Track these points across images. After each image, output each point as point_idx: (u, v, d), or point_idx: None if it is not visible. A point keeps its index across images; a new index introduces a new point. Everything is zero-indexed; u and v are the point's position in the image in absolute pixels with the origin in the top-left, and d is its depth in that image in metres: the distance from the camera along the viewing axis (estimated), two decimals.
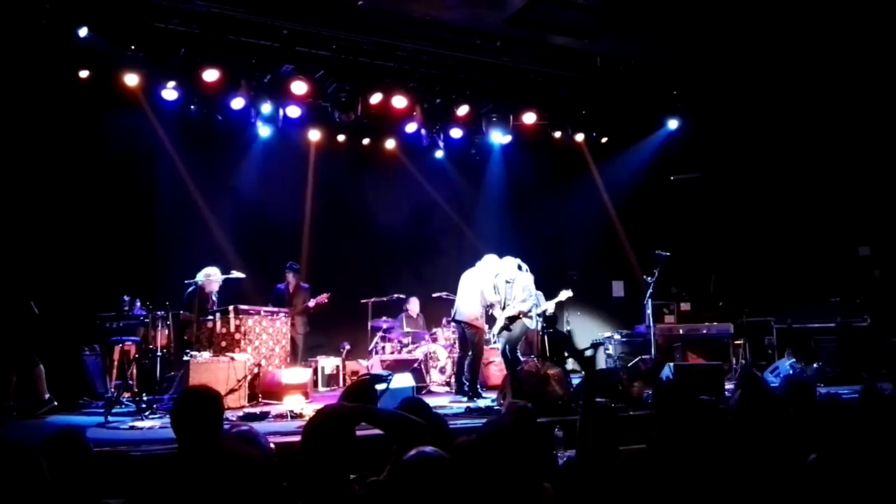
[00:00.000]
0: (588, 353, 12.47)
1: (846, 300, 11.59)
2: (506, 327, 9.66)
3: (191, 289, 9.41)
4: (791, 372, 9.81)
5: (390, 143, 12.92)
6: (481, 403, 8.70)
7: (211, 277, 9.48)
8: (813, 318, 11.38)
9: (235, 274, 9.65)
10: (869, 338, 10.88)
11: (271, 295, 10.98)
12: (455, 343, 11.62)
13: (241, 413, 7.90)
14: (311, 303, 10.84)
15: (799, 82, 11.59)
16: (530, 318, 9.65)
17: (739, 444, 3.36)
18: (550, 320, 11.02)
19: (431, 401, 9.39)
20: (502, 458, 2.87)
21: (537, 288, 10.26)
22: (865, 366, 10.53)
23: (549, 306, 10.36)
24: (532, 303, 9.69)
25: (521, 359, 9.46)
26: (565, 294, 10.36)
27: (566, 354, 11.06)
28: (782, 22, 9.70)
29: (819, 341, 11.22)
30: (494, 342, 9.83)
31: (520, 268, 9.86)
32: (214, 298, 9.60)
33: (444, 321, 11.85)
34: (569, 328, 13.14)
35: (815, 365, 10.48)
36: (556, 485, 3.15)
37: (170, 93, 10.19)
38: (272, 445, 3.54)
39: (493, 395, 9.22)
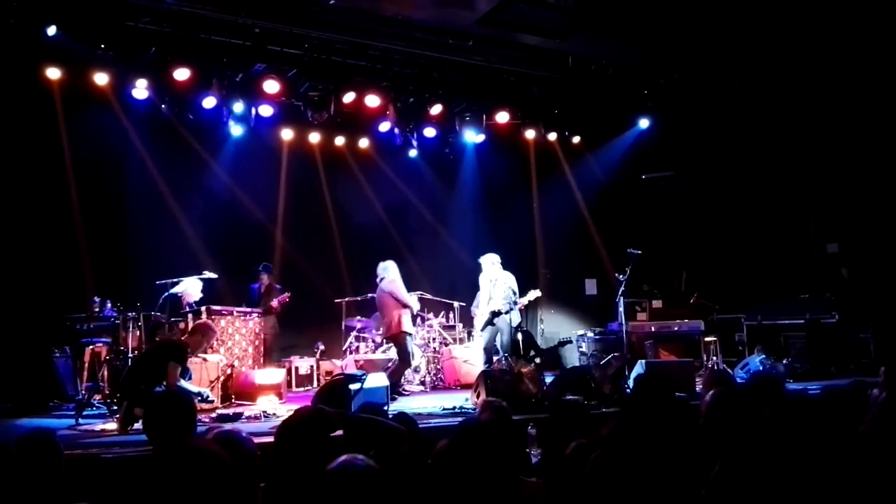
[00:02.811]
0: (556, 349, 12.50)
1: (815, 297, 11.76)
2: (490, 322, 9.79)
3: (165, 296, 9.25)
4: (759, 368, 9.93)
5: (363, 143, 12.90)
6: (455, 403, 8.70)
7: (190, 291, 9.39)
8: (782, 314, 11.54)
9: (207, 274, 9.59)
10: (837, 334, 11.05)
11: (245, 295, 10.93)
12: (429, 342, 11.66)
13: (213, 414, 7.85)
14: (274, 302, 10.78)
15: (768, 82, 11.73)
16: (513, 312, 9.84)
17: (709, 445, 3.38)
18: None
19: (407, 401, 9.46)
20: (480, 457, 2.87)
21: None
22: (834, 361, 10.69)
23: (520, 304, 10.44)
24: (506, 303, 9.80)
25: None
26: (534, 294, 10.46)
27: (532, 353, 11.11)
28: (750, 22, 9.82)
29: (789, 337, 11.39)
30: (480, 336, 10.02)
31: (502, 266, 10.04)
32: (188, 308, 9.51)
33: (417, 321, 11.85)
34: (542, 326, 13.19)
35: (784, 361, 10.62)
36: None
37: (140, 92, 10.11)
38: (255, 447, 3.52)
39: (466, 394, 9.24)
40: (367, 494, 2.31)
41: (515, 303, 9.99)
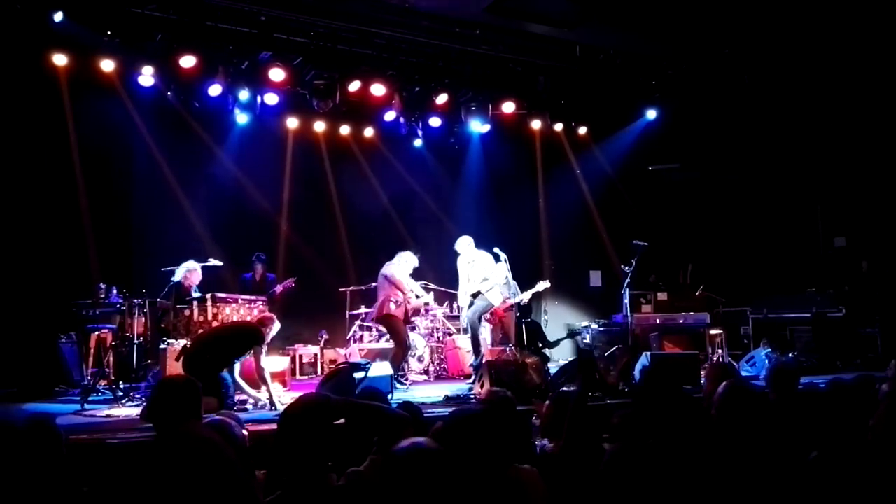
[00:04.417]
0: (564, 342, 12.47)
1: (822, 291, 11.71)
2: (470, 306, 9.72)
3: (170, 286, 9.27)
4: (766, 361, 9.88)
5: (369, 132, 12.87)
6: (458, 391, 8.71)
7: (192, 272, 9.38)
8: (789, 308, 11.48)
9: (212, 262, 9.59)
10: (844, 328, 11.00)
11: (238, 284, 10.90)
12: (433, 332, 11.64)
13: None
14: (279, 288, 10.75)
15: (777, 73, 11.67)
16: (493, 291, 9.67)
17: (720, 440, 3.37)
18: (525, 310, 11.06)
19: (411, 390, 9.46)
20: (480, 445, 2.86)
21: (514, 277, 10.31)
22: (840, 356, 10.64)
23: (525, 296, 10.40)
24: (490, 285, 9.66)
25: (482, 339, 9.66)
26: (542, 285, 10.42)
27: (539, 345, 11.09)
28: (760, 13, 9.76)
29: (794, 331, 11.33)
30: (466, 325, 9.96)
31: (497, 256, 9.91)
32: (195, 294, 9.50)
33: (422, 310, 11.83)
34: (546, 318, 13.16)
35: (790, 355, 10.58)
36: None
37: (146, 79, 10.09)
38: (245, 433, 3.51)
39: (463, 383, 9.25)
40: (437, 473, 2.40)
41: (515, 293, 9.92)
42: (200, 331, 8.34)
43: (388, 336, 10.99)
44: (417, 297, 9.96)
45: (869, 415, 3.52)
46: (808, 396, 4.29)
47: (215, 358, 7.44)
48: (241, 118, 11.36)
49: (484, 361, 8.92)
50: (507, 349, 8.84)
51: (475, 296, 9.71)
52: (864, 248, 12.33)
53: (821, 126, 12.51)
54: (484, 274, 9.67)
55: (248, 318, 9.45)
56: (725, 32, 10.48)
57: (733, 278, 12.62)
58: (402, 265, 9.67)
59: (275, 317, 8.31)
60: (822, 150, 12.71)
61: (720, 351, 11.03)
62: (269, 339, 8.12)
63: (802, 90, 11.97)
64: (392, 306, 9.46)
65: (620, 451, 2.91)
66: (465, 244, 9.89)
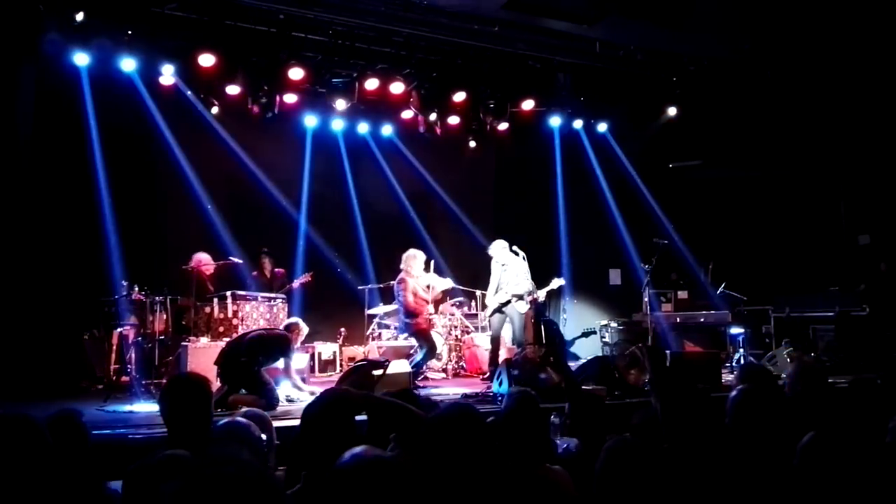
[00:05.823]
0: (580, 340, 12.42)
1: (845, 289, 11.60)
2: (498, 310, 9.67)
3: (185, 271, 9.41)
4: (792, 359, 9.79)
5: (387, 130, 12.88)
6: (476, 389, 8.72)
7: (203, 263, 9.47)
8: (811, 307, 11.39)
9: (232, 260, 9.64)
10: (868, 327, 10.88)
11: (252, 281, 10.94)
12: (451, 330, 11.62)
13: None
14: (296, 283, 10.79)
15: (799, 69, 11.56)
16: (522, 301, 9.65)
17: (736, 441, 3.33)
18: (540, 308, 11.03)
19: (429, 388, 9.47)
20: (507, 444, 2.85)
21: (533, 276, 10.27)
22: (864, 355, 10.52)
23: (541, 294, 10.37)
24: (525, 288, 9.65)
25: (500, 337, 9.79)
26: (557, 282, 10.37)
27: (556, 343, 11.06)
28: (780, 8, 9.67)
29: (817, 330, 11.23)
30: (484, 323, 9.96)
31: (516, 253, 9.89)
32: (210, 286, 9.58)
33: (439, 307, 11.84)
34: (565, 316, 13.12)
35: (812, 354, 10.49)
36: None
37: (167, 78, 10.14)
38: (263, 437, 3.48)
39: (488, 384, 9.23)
40: (386, 485, 2.21)
41: (528, 293, 9.89)
42: (228, 338, 8.40)
43: (406, 335, 11.01)
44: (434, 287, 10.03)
45: (891, 415, 3.48)
46: (828, 395, 4.25)
47: (251, 360, 7.57)
48: (261, 117, 11.37)
49: (502, 360, 8.92)
50: (526, 347, 8.82)
51: (505, 304, 9.71)
52: (889, 245, 12.20)
53: (844, 121, 12.38)
54: (516, 279, 9.71)
55: (268, 317, 9.54)
56: (746, 27, 10.39)
57: (755, 276, 12.52)
58: (417, 269, 9.66)
59: (301, 322, 8.39)
60: (844, 146, 12.58)
61: (742, 350, 10.96)
62: (297, 345, 8.22)
63: (826, 86, 11.84)
64: (422, 321, 9.56)
65: (620, 446, 2.87)
66: (498, 248, 9.99)
